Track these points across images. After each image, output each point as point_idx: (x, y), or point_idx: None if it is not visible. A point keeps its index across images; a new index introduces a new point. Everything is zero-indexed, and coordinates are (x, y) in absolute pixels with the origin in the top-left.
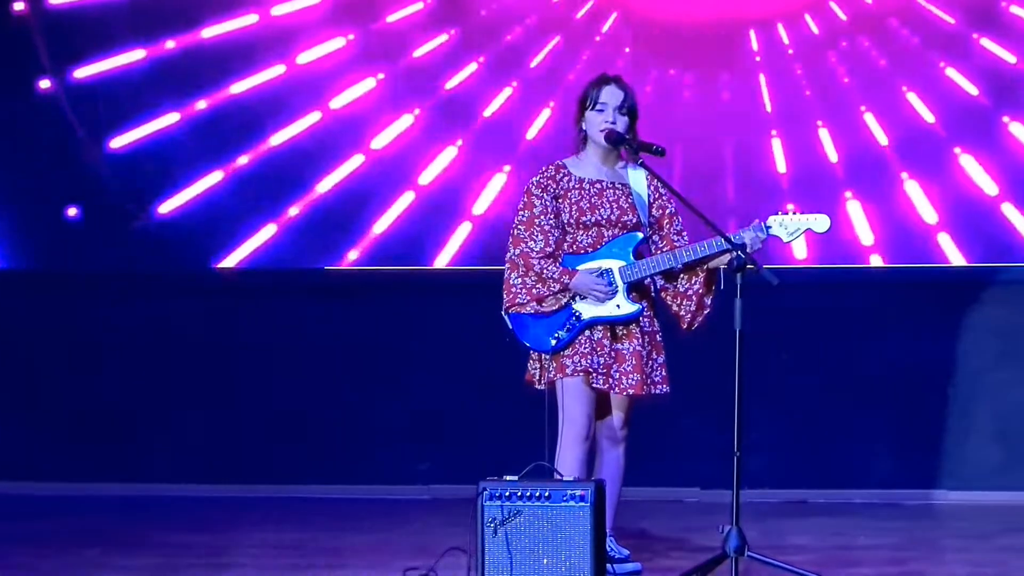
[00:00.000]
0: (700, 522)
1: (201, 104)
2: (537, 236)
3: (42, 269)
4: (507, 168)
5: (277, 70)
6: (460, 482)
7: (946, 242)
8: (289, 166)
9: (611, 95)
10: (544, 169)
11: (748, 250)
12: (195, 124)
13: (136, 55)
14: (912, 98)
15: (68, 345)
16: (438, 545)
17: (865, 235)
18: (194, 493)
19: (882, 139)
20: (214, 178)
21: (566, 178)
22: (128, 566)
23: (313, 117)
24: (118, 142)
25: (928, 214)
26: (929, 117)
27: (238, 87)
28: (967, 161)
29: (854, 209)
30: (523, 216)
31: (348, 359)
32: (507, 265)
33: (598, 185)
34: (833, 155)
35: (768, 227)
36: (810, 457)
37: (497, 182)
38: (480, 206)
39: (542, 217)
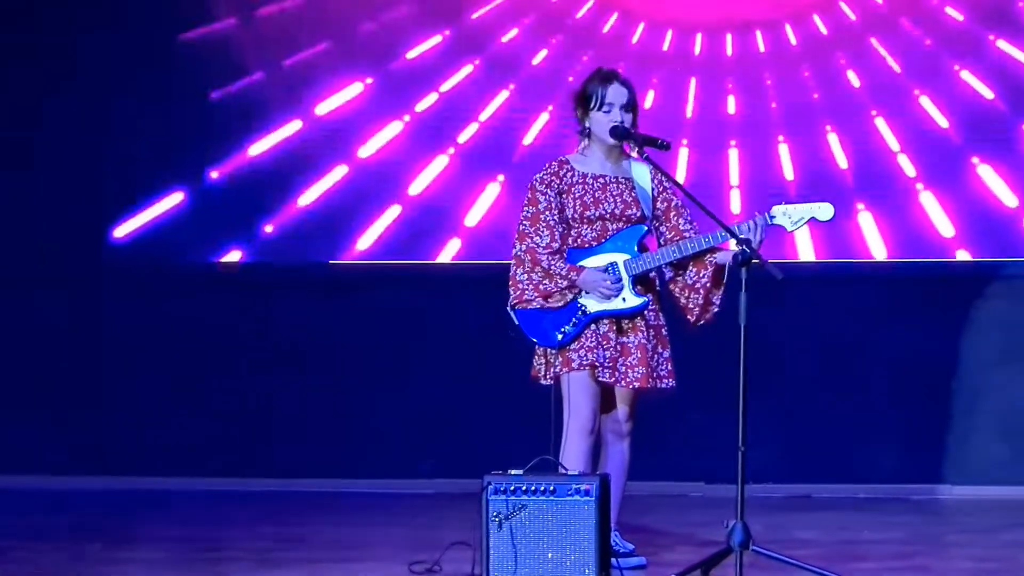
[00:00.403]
0: (705, 516)
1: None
2: (543, 231)
3: (39, 265)
4: (501, 177)
5: (257, 76)
6: (465, 476)
7: (964, 258)
8: (267, 177)
9: (616, 94)
10: (548, 165)
11: (753, 244)
12: (166, 132)
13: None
14: (925, 102)
15: (68, 340)
16: (443, 539)
17: (878, 250)
18: (196, 487)
19: (894, 145)
20: (174, 199)
21: (569, 173)
22: (130, 560)
23: (294, 126)
24: None
25: (944, 227)
26: (943, 122)
27: (216, 95)
28: (985, 171)
29: (866, 221)
30: (528, 212)
31: (352, 353)
32: (513, 261)
33: (601, 180)
34: (843, 161)
35: (772, 216)
36: (815, 452)
37: (491, 192)
38: (472, 218)
39: (547, 213)
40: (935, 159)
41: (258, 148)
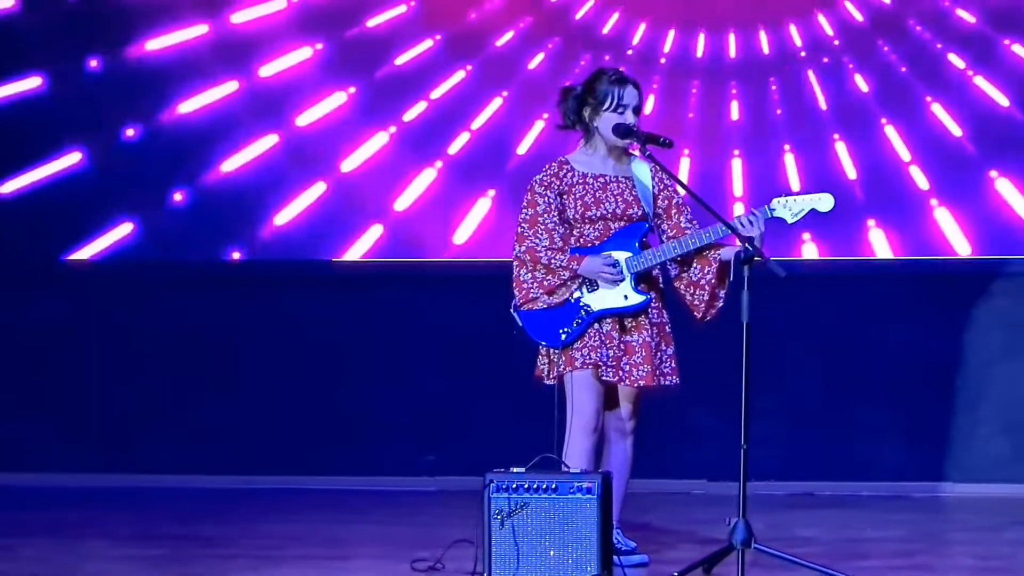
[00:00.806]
0: (707, 514)
1: (129, 132)
2: (541, 234)
3: (43, 261)
4: (492, 192)
5: (229, 87)
6: (467, 474)
7: (968, 256)
8: (240, 197)
9: (631, 96)
10: (548, 166)
11: (755, 240)
12: (124, 151)
13: (33, 82)
14: (937, 109)
15: (73, 336)
16: (445, 537)
17: None
18: (200, 484)
19: (905, 155)
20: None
21: (570, 174)
22: (134, 557)
23: (270, 140)
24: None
25: (961, 246)
26: (956, 130)
27: (185, 107)
28: (1004, 186)
29: (877, 239)
30: (527, 214)
31: (355, 351)
32: (515, 262)
33: (602, 179)
34: (851, 172)
35: (772, 209)
36: (817, 449)
37: (481, 208)
38: (460, 236)
39: (545, 215)
40: (949, 171)
41: (231, 164)
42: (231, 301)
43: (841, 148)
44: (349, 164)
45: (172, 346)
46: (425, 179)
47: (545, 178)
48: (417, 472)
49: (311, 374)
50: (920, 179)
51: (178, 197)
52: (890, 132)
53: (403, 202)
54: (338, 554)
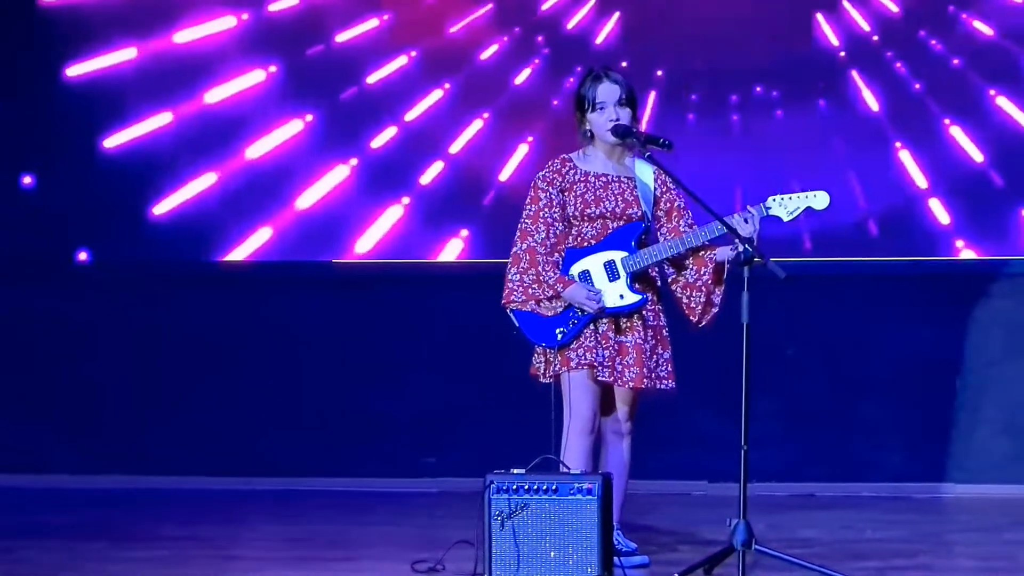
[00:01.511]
0: (708, 515)
1: (26, 180)
2: (541, 228)
3: (45, 261)
4: (464, 232)
5: (164, 118)
6: (467, 475)
7: (968, 256)
8: (181, 239)
9: (607, 92)
10: (550, 164)
11: (754, 240)
12: (20, 203)
13: None
14: (956, 132)
15: (73, 337)
16: (445, 538)
17: None
18: (200, 486)
19: (921, 182)
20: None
21: (572, 172)
22: (134, 558)
23: (208, 179)
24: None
25: None
26: (978, 156)
27: (113, 140)
28: None
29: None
30: (530, 210)
31: (355, 352)
32: (511, 259)
33: (603, 178)
34: (863, 201)
35: (768, 207)
36: (818, 450)
37: (452, 249)
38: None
39: (547, 210)
40: (974, 204)
41: (164, 207)
42: (231, 301)
43: (851, 175)
44: (304, 201)
45: (172, 347)
46: (391, 216)
47: (548, 174)
48: (418, 473)
49: (311, 375)
50: (941, 213)
51: (83, 256)
52: (904, 157)
53: (365, 243)
54: (339, 555)
